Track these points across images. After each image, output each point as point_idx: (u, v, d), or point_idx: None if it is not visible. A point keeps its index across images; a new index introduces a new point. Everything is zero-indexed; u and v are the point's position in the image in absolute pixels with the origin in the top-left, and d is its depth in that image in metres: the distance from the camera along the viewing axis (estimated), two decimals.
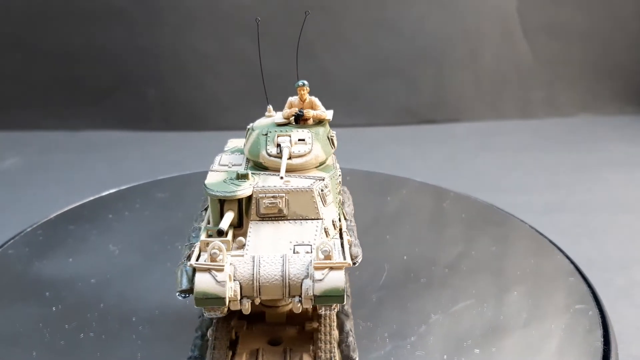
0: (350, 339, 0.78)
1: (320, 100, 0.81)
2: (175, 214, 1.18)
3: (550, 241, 1.06)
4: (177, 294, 0.68)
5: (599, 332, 0.80)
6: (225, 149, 0.92)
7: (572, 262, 0.99)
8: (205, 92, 2.36)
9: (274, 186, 0.74)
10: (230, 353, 0.73)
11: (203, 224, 0.76)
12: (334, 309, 0.69)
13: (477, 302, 0.89)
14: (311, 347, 0.75)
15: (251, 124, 0.83)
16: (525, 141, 2.29)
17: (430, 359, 0.78)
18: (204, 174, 0.90)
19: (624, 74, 2.57)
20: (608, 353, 0.77)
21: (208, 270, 0.65)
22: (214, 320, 0.74)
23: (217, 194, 0.70)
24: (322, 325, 0.75)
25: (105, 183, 1.49)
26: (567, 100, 2.57)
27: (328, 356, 0.73)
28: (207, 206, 0.84)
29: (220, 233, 0.66)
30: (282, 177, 0.73)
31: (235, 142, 0.94)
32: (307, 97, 0.80)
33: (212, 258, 0.65)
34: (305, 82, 0.80)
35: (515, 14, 2.48)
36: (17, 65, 2.35)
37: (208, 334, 0.75)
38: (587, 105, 2.57)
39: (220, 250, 0.65)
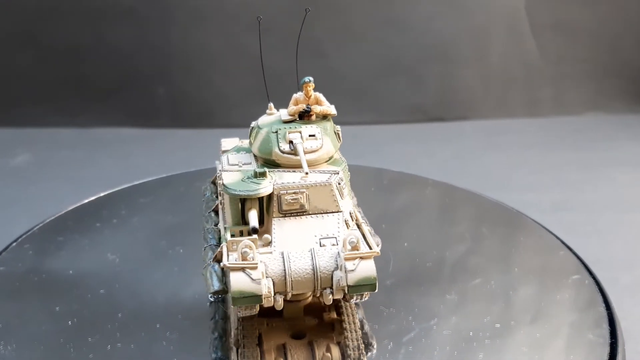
0: (367, 326, 0.80)
1: (327, 97, 0.81)
2: (184, 211, 1.18)
3: (558, 239, 1.06)
4: (209, 295, 0.68)
5: (606, 329, 0.80)
6: (223, 148, 0.92)
7: (580, 260, 0.99)
8: (214, 89, 2.36)
9: (294, 182, 0.74)
10: (259, 350, 0.74)
11: (221, 225, 0.77)
12: (365, 297, 0.71)
13: (484, 299, 0.89)
14: (334, 337, 0.77)
15: (255, 122, 0.83)
16: (533, 139, 2.28)
17: (438, 355, 0.78)
18: (212, 171, 0.92)
19: (633, 72, 2.56)
20: (615, 350, 0.77)
21: (242, 269, 0.66)
22: (239, 320, 0.75)
23: (240, 193, 0.71)
24: (345, 315, 0.77)
25: (115, 180, 1.50)
26: (575, 98, 2.56)
27: (355, 344, 0.75)
28: (215, 207, 0.85)
29: (255, 231, 0.67)
30: (307, 173, 0.74)
31: (230, 142, 0.95)
32: (311, 93, 0.81)
33: (244, 257, 0.66)
34: (311, 79, 0.80)
35: (523, 11, 2.47)
36: (27, 62, 2.36)
37: (232, 335, 0.75)
38: (595, 103, 2.56)
39: (251, 249, 0.66)
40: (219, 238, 0.77)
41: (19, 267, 0.99)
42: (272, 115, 0.84)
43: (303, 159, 0.75)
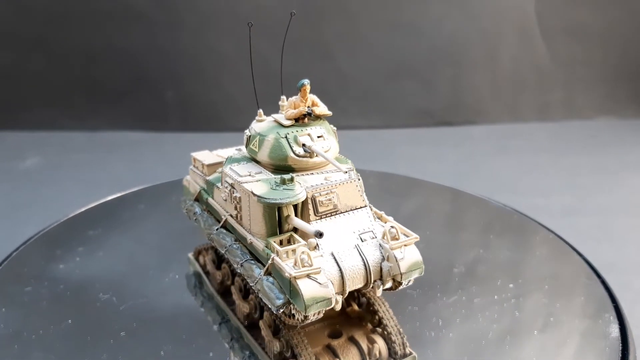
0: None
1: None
2: None
3: (568, 244, 1.05)
4: (275, 310, 0.69)
5: (617, 336, 0.80)
6: (206, 162, 0.91)
7: (591, 266, 0.98)
8: (223, 93, 2.37)
9: (322, 183, 0.76)
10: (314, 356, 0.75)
11: (250, 238, 0.76)
12: (411, 282, 0.75)
13: (494, 306, 0.88)
14: (369, 328, 0.80)
15: (250, 130, 0.83)
16: (543, 144, 2.27)
17: None
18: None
19: None
20: (626, 357, 0.76)
21: (307, 275, 0.67)
22: (283, 330, 0.76)
23: (282, 201, 0.70)
24: (377, 305, 0.80)
25: (124, 183, 1.51)
26: (585, 102, 2.55)
27: (396, 330, 0.78)
28: (224, 223, 0.83)
29: (321, 235, 0.68)
30: (346, 172, 0.76)
31: (204, 156, 0.95)
32: (308, 95, 0.81)
33: (302, 263, 0.67)
34: (308, 81, 0.80)
35: (533, 15, 2.47)
36: (38, 66, 2.38)
37: (274, 346, 0.76)
38: (606, 107, 2.54)
39: (308, 255, 0.67)
40: (249, 252, 0.77)
41: (28, 270, 0.99)
42: (265, 121, 0.84)
43: (332, 159, 0.76)
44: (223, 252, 0.82)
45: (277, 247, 0.70)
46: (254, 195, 0.72)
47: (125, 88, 2.40)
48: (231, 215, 0.81)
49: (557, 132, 2.38)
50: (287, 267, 0.67)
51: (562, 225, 1.30)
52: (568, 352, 0.79)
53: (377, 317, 0.80)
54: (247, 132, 0.84)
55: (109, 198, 1.29)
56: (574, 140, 2.29)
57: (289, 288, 0.68)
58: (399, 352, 0.77)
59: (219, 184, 0.86)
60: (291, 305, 0.69)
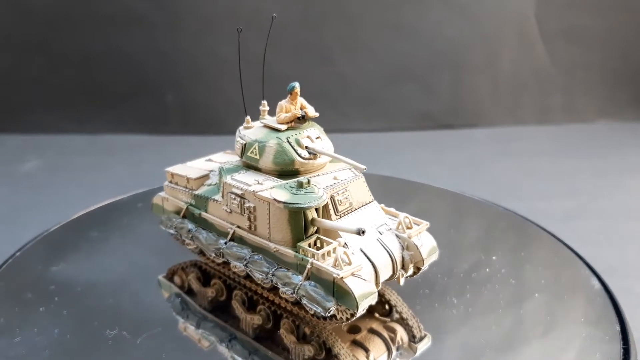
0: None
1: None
2: None
3: (569, 248, 1.05)
4: (325, 313, 0.70)
5: (619, 341, 0.79)
6: (192, 177, 0.89)
7: (592, 270, 0.98)
8: (224, 96, 2.37)
9: (335, 183, 0.77)
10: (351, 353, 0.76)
11: (275, 246, 0.76)
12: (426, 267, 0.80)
13: (496, 310, 0.88)
14: (382, 318, 0.83)
15: (245, 138, 0.82)
16: (543, 147, 2.27)
17: None
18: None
19: None
20: None
21: (351, 274, 0.69)
22: (312, 332, 0.77)
23: (309, 204, 0.71)
24: (389, 294, 0.84)
25: (124, 186, 1.50)
26: (585, 105, 2.54)
27: (411, 313, 0.82)
28: (232, 236, 0.82)
29: (364, 232, 0.70)
30: (365, 168, 0.77)
31: (182, 169, 0.92)
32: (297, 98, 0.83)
33: (343, 263, 0.68)
34: (298, 84, 0.82)
35: (533, 19, 2.47)
36: (38, 69, 2.38)
37: (308, 350, 0.76)
38: (606, 111, 2.54)
39: (346, 254, 0.69)
40: (276, 260, 0.76)
41: (28, 273, 0.99)
42: (254, 128, 0.84)
43: (345, 158, 0.78)
44: (240, 265, 0.80)
45: (313, 250, 0.71)
46: (278, 202, 0.72)
47: (125, 91, 2.40)
48: (239, 227, 0.80)
49: (558, 135, 2.38)
50: (332, 268, 0.68)
51: (563, 229, 1.29)
52: (569, 357, 0.79)
53: (386, 307, 0.83)
54: (239, 140, 0.83)
55: (109, 201, 1.28)
56: (574, 144, 2.29)
57: (333, 289, 0.69)
58: (417, 335, 0.80)
59: (215, 197, 0.84)
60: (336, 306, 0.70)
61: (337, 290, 0.68)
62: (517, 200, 1.66)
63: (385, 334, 0.80)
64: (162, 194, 0.98)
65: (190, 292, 0.93)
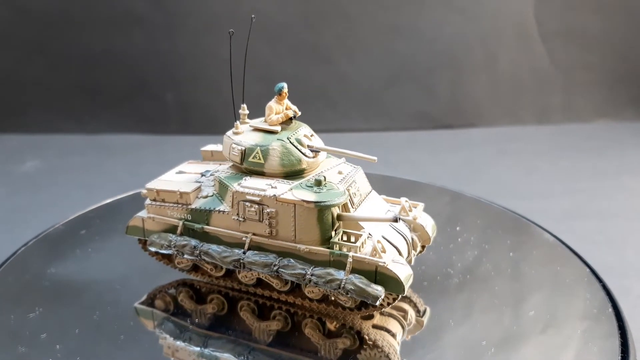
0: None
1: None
2: None
3: (569, 247, 1.05)
4: (377, 302, 0.72)
5: (617, 339, 0.79)
6: (187, 191, 0.84)
7: (591, 269, 0.98)
8: (223, 96, 2.37)
9: (344, 177, 0.80)
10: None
11: (304, 247, 0.76)
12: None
13: (494, 309, 0.88)
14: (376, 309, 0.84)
15: (243, 145, 0.81)
16: (542, 147, 2.27)
17: None
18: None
19: None
20: None
21: (392, 260, 0.73)
22: (347, 327, 0.79)
23: (339, 200, 0.73)
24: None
25: (124, 186, 1.50)
26: (584, 105, 2.55)
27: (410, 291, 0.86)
28: (238, 242, 0.81)
29: (399, 219, 0.74)
30: (375, 159, 0.79)
31: (166, 185, 0.87)
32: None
33: (378, 251, 0.72)
34: (286, 84, 0.83)
35: (532, 19, 2.47)
36: (38, 69, 2.38)
37: (344, 344, 0.77)
38: (605, 110, 2.54)
39: (381, 242, 0.73)
40: (306, 260, 0.76)
41: (27, 273, 0.99)
42: (244, 132, 0.84)
43: (353, 152, 0.80)
44: (266, 272, 0.77)
45: (350, 244, 0.73)
46: (308, 202, 0.72)
47: (124, 91, 2.40)
48: (254, 234, 0.78)
49: (557, 135, 2.38)
50: (375, 258, 0.71)
51: (562, 228, 1.29)
52: (568, 356, 0.79)
53: None
54: (236, 147, 0.81)
55: (109, 201, 1.28)
56: (573, 143, 2.29)
57: (375, 277, 0.72)
58: (422, 310, 0.86)
59: (219, 208, 0.81)
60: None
61: (380, 278, 0.71)
62: (516, 199, 1.66)
63: (396, 313, 0.85)
64: (141, 214, 0.92)
65: (177, 313, 0.88)
